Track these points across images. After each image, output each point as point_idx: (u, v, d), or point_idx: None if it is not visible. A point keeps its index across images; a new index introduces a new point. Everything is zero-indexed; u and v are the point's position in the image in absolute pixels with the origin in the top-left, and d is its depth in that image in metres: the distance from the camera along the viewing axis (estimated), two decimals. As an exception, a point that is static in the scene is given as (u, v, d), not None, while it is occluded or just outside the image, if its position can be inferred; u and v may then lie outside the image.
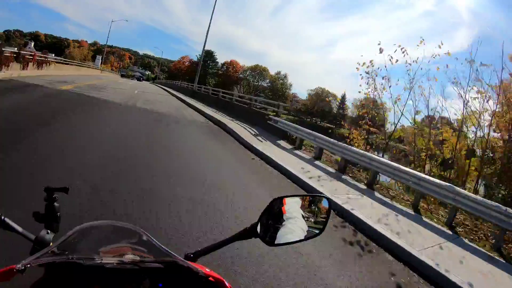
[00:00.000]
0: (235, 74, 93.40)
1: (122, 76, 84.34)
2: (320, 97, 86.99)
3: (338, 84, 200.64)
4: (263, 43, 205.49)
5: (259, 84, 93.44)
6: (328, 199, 1.02)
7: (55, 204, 0.95)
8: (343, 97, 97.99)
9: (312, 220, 0.98)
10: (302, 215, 0.96)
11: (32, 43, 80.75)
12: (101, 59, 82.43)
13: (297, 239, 0.94)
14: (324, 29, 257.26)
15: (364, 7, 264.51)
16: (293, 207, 0.96)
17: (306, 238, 0.96)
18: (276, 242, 0.94)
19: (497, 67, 9.81)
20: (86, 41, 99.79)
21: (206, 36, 31.38)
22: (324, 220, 1.00)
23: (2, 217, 0.84)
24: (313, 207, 1.01)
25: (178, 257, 0.75)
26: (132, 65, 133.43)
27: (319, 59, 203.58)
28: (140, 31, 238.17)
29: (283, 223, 0.94)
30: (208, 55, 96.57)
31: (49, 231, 0.90)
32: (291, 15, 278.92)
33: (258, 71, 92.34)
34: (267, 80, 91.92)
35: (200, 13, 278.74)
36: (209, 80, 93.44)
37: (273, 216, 0.94)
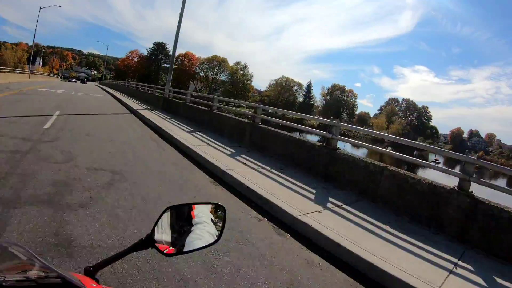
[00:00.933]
0: (191, 67, 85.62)
1: (65, 78, 76.53)
2: (284, 87, 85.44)
3: (286, 72, 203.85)
4: (209, 35, 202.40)
5: (218, 77, 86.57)
6: (222, 207, 1.06)
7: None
8: (309, 86, 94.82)
9: (205, 227, 0.98)
10: (194, 223, 0.97)
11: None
12: (40, 61, 74.63)
13: (191, 248, 0.94)
14: (269, 17, 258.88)
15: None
16: (184, 215, 0.97)
17: (201, 247, 0.95)
18: (184, 250, 0.94)
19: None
20: (26, 44, 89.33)
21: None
22: (220, 226, 1.02)
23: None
24: (206, 214, 1.01)
25: (71, 275, 0.72)
26: (77, 65, 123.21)
27: (266, 47, 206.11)
28: (83, 30, 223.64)
29: (191, 230, 0.95)
30: (160, 48, 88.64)
31: None
32: (235, 4, 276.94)
33: (216, 62, 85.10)
34: (227, 72, 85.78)
35: (145, 8, 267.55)
36: (161, 76, 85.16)
37: (179, 224, 0.95)
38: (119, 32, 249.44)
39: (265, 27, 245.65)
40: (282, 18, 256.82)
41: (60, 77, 76.35)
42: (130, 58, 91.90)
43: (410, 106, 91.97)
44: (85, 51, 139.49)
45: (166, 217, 0.95)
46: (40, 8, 35.59)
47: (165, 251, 0.93)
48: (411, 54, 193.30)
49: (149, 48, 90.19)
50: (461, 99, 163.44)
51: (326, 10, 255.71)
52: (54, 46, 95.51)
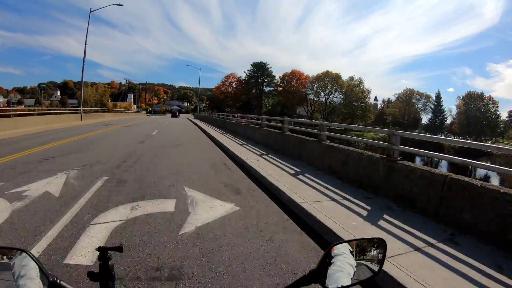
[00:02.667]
0: (300, 88, 71.44)
1: (155, 113, 72.51)
2: (409, 102, 67.57)
3: (374, 84, 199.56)
4: (292, 57, 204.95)
5: (332, 96, 69.63)
6: (383, 240, 1.02)
7: (110, 262, 0.95)
8: (438, 97, 73.42)
9: (366, 261, 0.97)
10: (355, 258, 0.95)
11: (58, 92, 74.67)
12: (132, 97, 72.94)
13: (352, 282, 0.91)
14: (349, 32, 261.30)
15: (384, 2, 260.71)
16: (342, 251, 0.96)
17: (362, 280, 0.94)
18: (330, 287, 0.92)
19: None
20: (120, 83, 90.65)
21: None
22: (381, 260, 0.99)
23: (58, 280, 0.83)
24: (367, 248, 1.00)
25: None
26: (169, 99, 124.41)
27: (351, 62, 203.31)
28: (171, 67, 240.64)
29: (337, 267, 0.93)
30: (260, 69, 75.89)
31: None
32: (314, 24, 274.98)
33: (328, 79, 68.39)
34: (339, 90, 69.59)
35: (227, 39, 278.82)
36: (264, 101, 75.27)
37: (329, 261, 0.93)
38: (205, 64, 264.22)
39: (347, 42, 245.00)
40: (362, 31, 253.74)
41: (149, 112, 73.01)
42: (226, 83, 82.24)
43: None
44: (176, 85, 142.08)
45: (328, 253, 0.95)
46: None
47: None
48: (502, 48, 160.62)
49: (248, 71, 78.13)
50: None
51: (404, 15, 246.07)
52: (146, 82, 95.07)
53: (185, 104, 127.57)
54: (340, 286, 0.90)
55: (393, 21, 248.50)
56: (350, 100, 66.70)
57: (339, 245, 0.97)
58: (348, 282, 0.90)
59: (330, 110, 69.54)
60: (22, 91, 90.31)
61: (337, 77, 68.71)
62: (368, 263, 0.98)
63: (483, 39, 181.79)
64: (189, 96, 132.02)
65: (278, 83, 76.42)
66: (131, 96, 71.58)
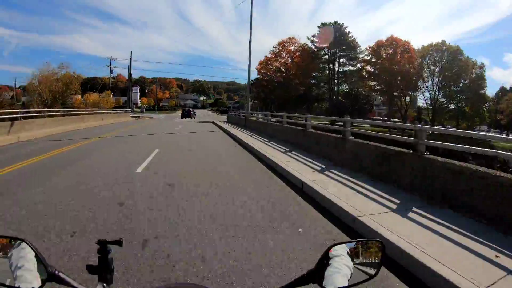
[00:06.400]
0: (406, 66, 45.26)
1: (138, 111, 46.58)
2: None
3: None
4: None
5: (455, 78, 45.30)
6: (381, 242, 1.00)
7: (109, 256, 0.95)
8: None
9: (364, 264, 0.96)
10: (352, 260, 0.95)
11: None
12: (138, 91, 61.56)
13: (349, 283, 0.91)
14: (364, 23, 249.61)
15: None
16: (340, 252, 0.95)
17: (358, 282, 0.93)
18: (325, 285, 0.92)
19: None
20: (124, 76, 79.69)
21: None
22: (378, 263, 0.98)
23: (56, 272, 0.83)
24: (364, 251, 0.99)
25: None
26: (185, 92, 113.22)
27: None
28: (184, 62, 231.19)
29: (335, 269, 0.92)
30: (338, 32, 48.02)
31: (104, 284, 0.91)
32: (327, 15, 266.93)
33: (446, 54, 45.09)
34: (463, 75, 45.69)
35: (239, 33, 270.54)
36: (339, 88, 52.59)
37: (327, 262, 0.93)
38: (218, 59, 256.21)
39: (361, 34, 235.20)
40: (375, 23, 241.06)
41: (137, 109, 49.36)
42: (279, 54, 50.94)
43: None
44: (191, 80, 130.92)
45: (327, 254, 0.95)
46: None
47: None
48: None
49: (313, 35, 50.86)
50: None
51: (417, 4, 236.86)
52: (156, 77, 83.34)
53: (202, 98, 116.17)
54: (337, 287, 0.90)
55: (406, 11, 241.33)
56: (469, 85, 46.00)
57: (337, 246, 0.96)
58: (345, 283, 0.89)
59: (440, 106, 47.49)
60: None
61: (458, 52, 45.57)
62: (366, 265, 0.96)
63: (500, 29, 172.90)
64: (206, 88, 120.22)
65: (365, 57, 50.30)
66: (137, 90, 60.73)
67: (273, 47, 51.39)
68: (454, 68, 45.26)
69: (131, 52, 43.39)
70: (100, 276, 0.92)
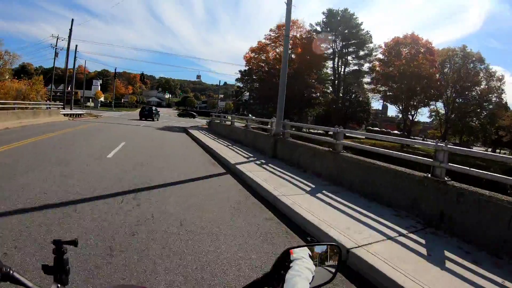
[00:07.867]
0: (426, 67, 37.18)
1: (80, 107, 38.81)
2: None
3: None
4: None
5: (470, 88, 40.08)
6: (338, 247, 1.03)
7: (64, 256, 0.93)
8: None
9: (322, 267, 0.97)
10: (314, 263, 0.95)
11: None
12: (99, 84, 59.64)
13: (310, 287, 0.91)
14: None
15: (368, 2, 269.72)
16: (301, 255, 0.95)
17: (319, 285, 0.94)
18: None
19: None
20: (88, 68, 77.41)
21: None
22: (335, 267, 0.99)
23: (11, 272, 0.82)
24: (322, 254, 1.00)
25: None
26: (149, 89, 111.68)
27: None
28: (151, 58, 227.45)
29: (296, 272, 0.92)
30: (342, 24, 40.17)
31: (59, 285, 0.89)
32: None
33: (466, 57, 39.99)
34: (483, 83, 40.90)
35: (209, 33, 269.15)
36: (352, 89, 42.44)
37: (283, 266, 0.93)
38: (186, 59, 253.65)
39: None
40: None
41: (72, 105, 33.76)
42: (271, 39, 36.52)
43: None
44: (156, 77, 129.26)
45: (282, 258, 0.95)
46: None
47: None
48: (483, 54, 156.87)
49: (317, 24, 41.91)
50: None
51: (386, 17, 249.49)
52: (120, 72, 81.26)
53: (167, 96, 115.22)
54: None
55: (374, 22, 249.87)
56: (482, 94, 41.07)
57: (297, 249, 0.96)
58: (306, 287, 0.88)
59: (455, 119, 41.53)
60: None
61: (480, 60, 40.49)
62: (324, 269, 0.98)
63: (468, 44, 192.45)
64: (172, 86, 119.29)
65: (378, 57, 41.77)
66: (97, 83, 58.94)
67: (270, 30, 36.85)
68: (472, 77, 39.92)
69: (72, 19, 31.67)
70: (55, 277, 0.91)
